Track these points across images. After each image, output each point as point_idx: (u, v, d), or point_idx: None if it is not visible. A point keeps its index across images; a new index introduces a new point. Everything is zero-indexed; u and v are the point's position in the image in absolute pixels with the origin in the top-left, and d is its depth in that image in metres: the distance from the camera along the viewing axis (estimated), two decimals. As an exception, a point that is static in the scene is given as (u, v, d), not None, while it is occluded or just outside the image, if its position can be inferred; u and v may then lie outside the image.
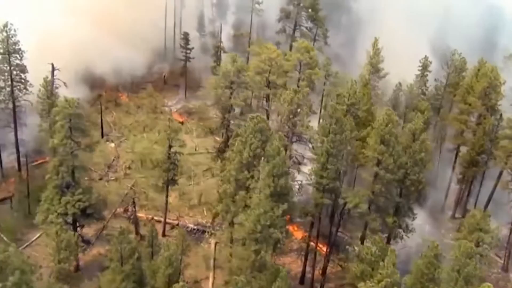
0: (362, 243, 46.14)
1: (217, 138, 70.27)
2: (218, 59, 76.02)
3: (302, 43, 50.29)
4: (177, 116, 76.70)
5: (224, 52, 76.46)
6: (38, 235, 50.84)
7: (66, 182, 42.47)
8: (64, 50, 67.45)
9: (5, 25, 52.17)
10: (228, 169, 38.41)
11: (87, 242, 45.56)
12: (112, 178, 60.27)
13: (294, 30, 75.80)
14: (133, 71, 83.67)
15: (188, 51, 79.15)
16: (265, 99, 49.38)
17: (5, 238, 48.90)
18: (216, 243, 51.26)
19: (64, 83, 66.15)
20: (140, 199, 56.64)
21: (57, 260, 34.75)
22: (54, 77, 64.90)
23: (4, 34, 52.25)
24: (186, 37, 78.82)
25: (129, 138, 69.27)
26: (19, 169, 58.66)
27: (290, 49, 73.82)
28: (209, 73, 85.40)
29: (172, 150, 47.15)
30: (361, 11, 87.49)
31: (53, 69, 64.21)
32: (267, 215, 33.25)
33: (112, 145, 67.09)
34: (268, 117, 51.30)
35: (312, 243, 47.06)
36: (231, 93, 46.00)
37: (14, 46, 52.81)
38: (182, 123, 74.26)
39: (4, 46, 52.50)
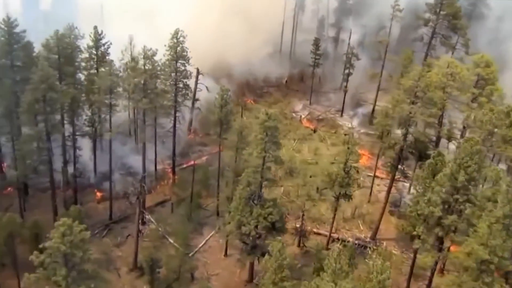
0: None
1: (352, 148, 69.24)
2: (350, 66, 74.63)
3: (482, 57, 48.04)
4: (307, 123, 76.21)
5: (358, 59, 75.01)
6: (204, 241, 51.57)
7: (255, 194, 42.41)
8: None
9: (176, 32, 52.91)
10: (436, 191, 36.92)
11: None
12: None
13: (432, 38, 73.23)
14: (254, 75, 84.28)
15: (318, 57, 78.38)
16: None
17: (175, 244, 49.81)
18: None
19: (207, 87, 67.09)
20: (292, 208, 56.25)
21: (278, 278, 34.36)
22: (198, 81, 66.13)
23: (175, 40, 52.98)
24: (317, 42, 78.14)
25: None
26: (174, 173, 59.61)
27: (425, 58, 71.92)
28: (331, 78, 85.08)
29: (348, 164, 46.24)
30: (494, 19, 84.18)
31: (198, 73, 65.13)
32: (503, 246, 31.68)
33: (252, 151, 67.03)
34: (439, 134, 49.55)
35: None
36: (412, 108, 44.30)
37: (182, 53, 53.45)
38: (314, 130, 73.77)
39: (173, 52, 53.23)
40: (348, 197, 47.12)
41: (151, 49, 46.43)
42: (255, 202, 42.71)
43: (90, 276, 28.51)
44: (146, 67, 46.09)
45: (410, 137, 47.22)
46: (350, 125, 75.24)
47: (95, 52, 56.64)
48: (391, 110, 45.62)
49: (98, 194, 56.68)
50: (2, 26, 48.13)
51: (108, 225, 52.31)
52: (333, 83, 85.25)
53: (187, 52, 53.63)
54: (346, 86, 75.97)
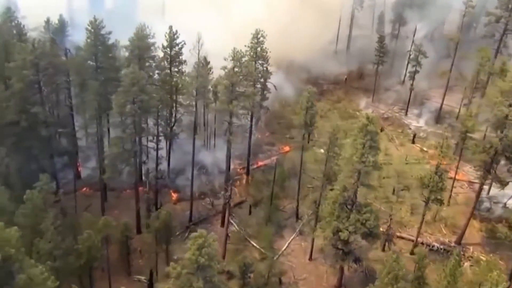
0: None
1: (423, 148, 67.82)
2: (417, 64, 72.66)
3: None
4: (372, 122, 74.69)
5: (425, 57, 73.04)
6: (286, 244, 50.96)
7: (349, 200, 41.56)
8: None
9: (257, 32, 52.25)
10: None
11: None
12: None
13: (503, 35, 70.93)
14: (313, 72, 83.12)
15: (382, 55, 76.76)
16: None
17: (258, 247, 49.40)
18: (470, 266, 48.68)
19: (274, 86, 66.31)
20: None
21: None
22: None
23: (255, 40, 52.33)
24: (381, 40, 76.51)
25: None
26: (248, 173, 59.19)
27: (496, 55, 69.69)
28: (390, 75, 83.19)
29: (441, 168, 44.97)
30: None
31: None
32: None
33: (322, 151, 66.10)
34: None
35: None
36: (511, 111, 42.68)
37: (262, 53, 52.77)
38: (381, 129, 72.22)
39: (253, 53, 52.58)
40: (440, 201, 45.87)
41: (240, 50, 45.69)
42: (349, 207, 41.87)
43: (217, 285, 28.18)
44: (236, 69, 45.41)
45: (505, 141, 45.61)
46: (417, 124, 73.74)
47: (169, 52, 56.43)
48: (486, 111, 44.08)
49: (174, 194, 56.65)
50: (89, 28, 48.11)
51: (188, 227, 52.13)
52: (392, 80, 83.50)
53: (266, 52, 52.92)
54: (412, 84, 74.10)
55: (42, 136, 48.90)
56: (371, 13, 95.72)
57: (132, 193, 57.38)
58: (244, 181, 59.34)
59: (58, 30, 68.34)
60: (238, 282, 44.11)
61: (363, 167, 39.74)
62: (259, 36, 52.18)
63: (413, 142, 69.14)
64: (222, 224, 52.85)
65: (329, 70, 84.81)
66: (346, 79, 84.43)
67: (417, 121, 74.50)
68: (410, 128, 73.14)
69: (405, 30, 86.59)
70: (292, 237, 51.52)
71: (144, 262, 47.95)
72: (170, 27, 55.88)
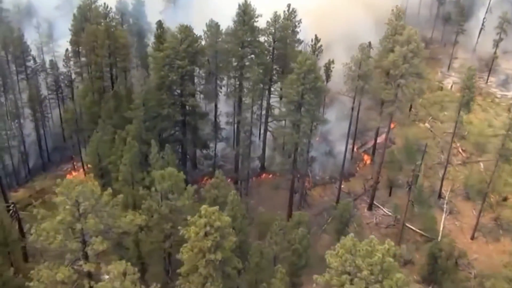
0: None
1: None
2: (503, 31, 71.76)
3: None
4: (458, 92, 74.17)
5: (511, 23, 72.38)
6: (442, 225, 50.35)
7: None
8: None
9: (398, 10, 50.08)
10: None
11: None
12: (459, 162, 58.90)
13: None
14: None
15: (462, 23, 75.72)
16: None
17: (414, 228, 48.85)
18: None
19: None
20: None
21: None
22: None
23: (394, 18, 50.22)
24: (461, 10, 75.37)
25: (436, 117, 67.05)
26: (373, 153, 58.02)
27: None
28: (460, 45, 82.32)
29: None
30: None
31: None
32: None
33: (427, 125, 65.44)
34: None
35: None
36: None
37: (402, 30, 50.60)
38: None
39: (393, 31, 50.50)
40: None
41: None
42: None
43: None
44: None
45: None
46: (503, 92, 73.78)
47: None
48: None
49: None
50: (239, 11, 44.83)
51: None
52: (461, 48, 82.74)
53: (404, 29, 50.79)
54: (495, 52, 73.71)
55: (191, 128, 46.01)
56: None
57: (258, 181, 55.73)
58: (367, 162, 58.05)
59: (135, 10, 64.19)
60: (416, 268, 43.63)
61: None
62: (400, 12, 49.98)
63: (509, 111, 68.98)
64: (369, 208, 51.90)
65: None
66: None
67: (502, 90, 74.48)
68: (497, 97, 73.07)
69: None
70: (443, 217, 51.04)
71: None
72: (289, 5, 53.03)
